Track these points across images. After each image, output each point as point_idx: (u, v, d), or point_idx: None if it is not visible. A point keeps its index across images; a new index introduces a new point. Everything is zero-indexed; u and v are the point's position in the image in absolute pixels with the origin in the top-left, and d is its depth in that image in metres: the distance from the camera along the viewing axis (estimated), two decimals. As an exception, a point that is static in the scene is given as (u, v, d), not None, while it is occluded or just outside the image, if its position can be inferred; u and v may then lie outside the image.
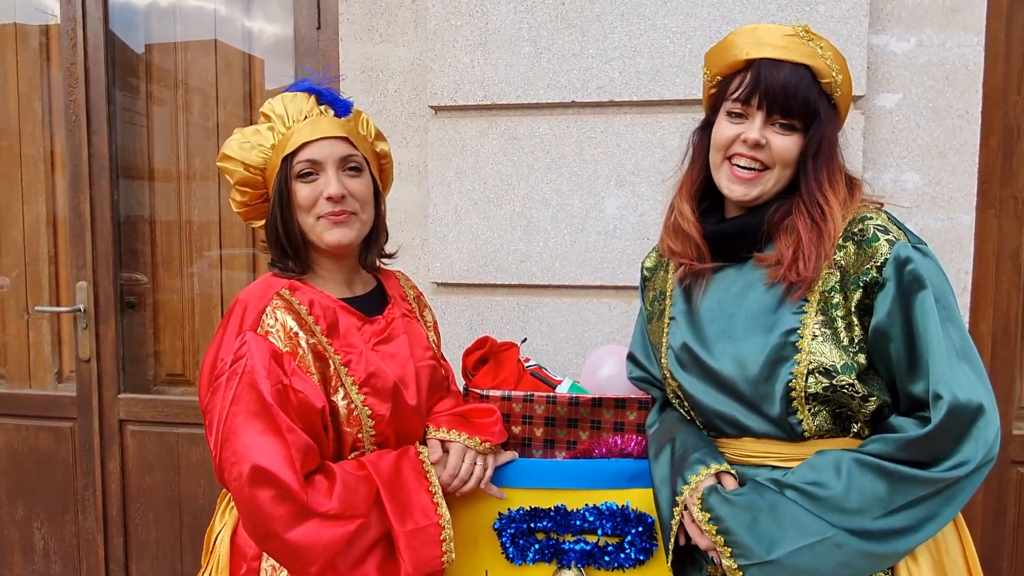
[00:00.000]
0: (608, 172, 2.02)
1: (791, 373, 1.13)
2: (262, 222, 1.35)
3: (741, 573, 1.11)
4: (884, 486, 1.06)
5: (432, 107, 2.12)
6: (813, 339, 1.13)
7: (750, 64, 1.18)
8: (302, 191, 1.28)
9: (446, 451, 1.34)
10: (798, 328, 1.14)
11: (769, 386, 1.15)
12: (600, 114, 2.02)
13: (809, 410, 1.15)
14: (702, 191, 1.32)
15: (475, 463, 1.35)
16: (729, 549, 1.12)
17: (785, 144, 1.18)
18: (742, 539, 1.11)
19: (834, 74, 1.18)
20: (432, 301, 2.11)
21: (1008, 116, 2.04)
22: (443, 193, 2.11)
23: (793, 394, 1.14)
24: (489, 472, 1.37)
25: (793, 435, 1.18)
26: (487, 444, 1.36)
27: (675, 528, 1.22)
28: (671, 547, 1.24)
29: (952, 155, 1.93)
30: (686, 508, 1.21)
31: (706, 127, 1.31)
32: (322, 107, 1.32)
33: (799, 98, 1.16)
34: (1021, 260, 2.09)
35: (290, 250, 1.31)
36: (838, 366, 1.12)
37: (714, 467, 1.20)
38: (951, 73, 1.92)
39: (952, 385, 1.04)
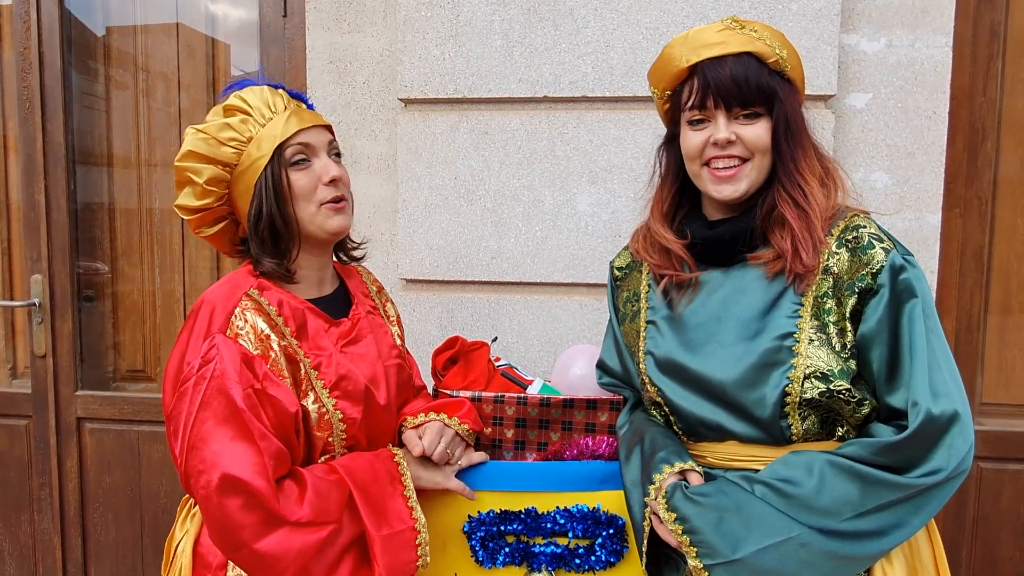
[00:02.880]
0: (580, 168, 2.00)
1: (787, 378, 1.12)
2: (214, 229, 1.30)
3: (707, 573, 1.11)
4: (856, 488, 1.06)
5: (402, 100, 2.08)
6: (810, 343, 1.12)
7: (693, 70, 1.18)
8: (300, 180, 1.25)
9: (421, 437, 1.33)
10: (794, 332, 1.13)
11: (760, 390, 1.14)
12: (573, 110, 2.00)
13: (800, 415, 1.14)
14: (676, 204, 1.31)
15: (449, 447, 1.33)
16: (695, 549, 1.11)
17: (756, 132, 1.17)
18: (708, 538, 1.10)
19: (777, 51, 1.17)
20: (401, 298, 2.09)
21: (974, 117, 2.07)
22: (413, 188, 2.07)
23: (788, 399, 1.13)
24: (461, 456, 1.36)
25: (781, 439, 1.17)
26: (465, 426, 1.35)
27: (647, 530, 1.21)
28: (644, 549, 1.23)
29: (920, 155, 1.95)
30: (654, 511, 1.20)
31: (671, 140, 1.29)
32: (295, 101, 1.30)
33: (752, 85, 1.15)
34: (984, 259, 2.13)
35: (284, 245, 1.26)
36: (835, 371, 1.11)
37: (678, 465, 1.19)
38: (920, 74, 1.94)
39: (930, 393, 1.06)
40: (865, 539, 1.07)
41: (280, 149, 1.23)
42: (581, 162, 2.00)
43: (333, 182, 1.26)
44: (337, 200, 1.27)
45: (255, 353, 1.16)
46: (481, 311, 2.08)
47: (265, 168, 1.22)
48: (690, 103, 1.19)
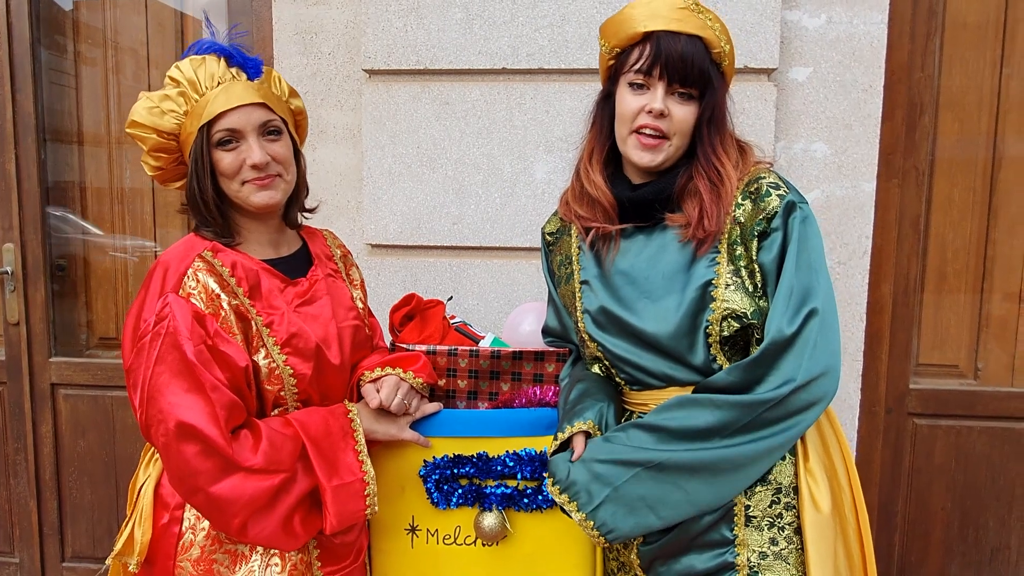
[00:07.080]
0: (537, 138, 2.08)
1: (707, 320, 1.23)
2: (179, 183, 1.35)
3: (584, 515, 1.24)
4: (714, 414, 1.18)
5: (366, 71, 2.14)
6: (726, 288, 1.23)
7: (648, 36, 1.25)
8: (224, 159, 1.28)
9: (379, 390, 1.38)
10: (713, 279, 1.24)
11: (692, 337, 1.25)
12: (530, 81, 2.08)
13: (725, 355, 1.26)
14: (606, 159, 1.39)
15: (405, 399, 1.40)
16: (575, 503, 1.25)
17: (684, 115, 1.27)
18: (581, 488, 1.25)
19: (722, 44, 1.27)
20: (366, 262, 2.16)
21: (912, 91, 2.17)
22: (377, 156, 2.14)
23: (710, 340, 1.24)
24: (416, 407, 1.43)
25: None
26: (419, 379, 1.42)
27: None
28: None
29: (857, 127, 2.05)
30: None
31: (607, 97, 1.37)
32: (233, 70, 1.30)
33: (696, 68, 1.24)
34: (921, 228, 2.24)
35: (213, 216, 1.31)
36: (748, 313, 1.22)
37: (568, 430, 1.31)
38: (857, 49, 2.03)
39: (785, 318, 1.18)
40: (734, 470, 1.20)
41: (205, 129, 1.26)
42: (538, 132, 2.07)
43: (255, 167, 1.27)
44: (263, 179, 1.29)
45: (206, 312, 1.22)
46: (443, 274, 2.16)
47: (194, 145, 1.27)
48: (637, 66, 1.26)
